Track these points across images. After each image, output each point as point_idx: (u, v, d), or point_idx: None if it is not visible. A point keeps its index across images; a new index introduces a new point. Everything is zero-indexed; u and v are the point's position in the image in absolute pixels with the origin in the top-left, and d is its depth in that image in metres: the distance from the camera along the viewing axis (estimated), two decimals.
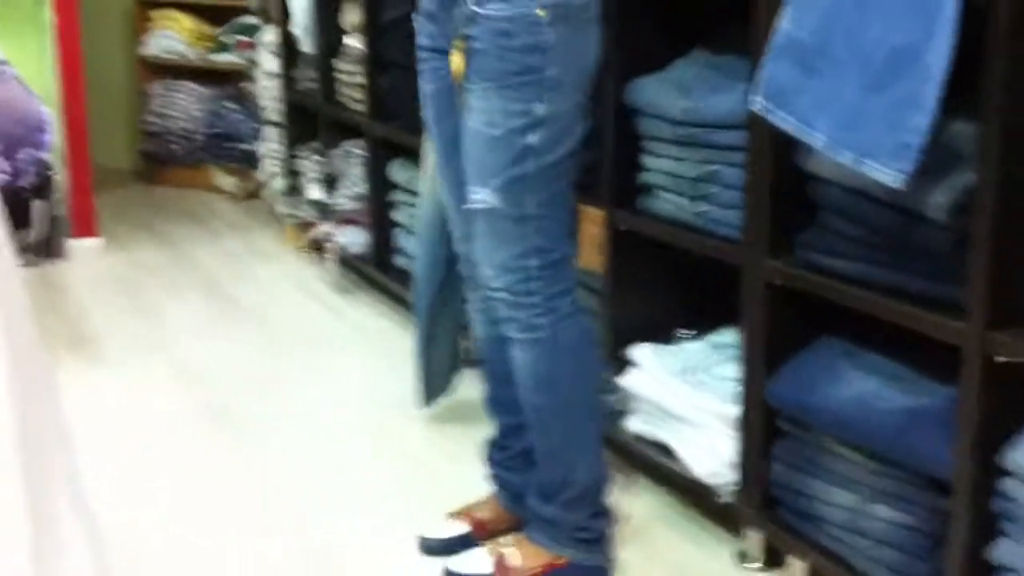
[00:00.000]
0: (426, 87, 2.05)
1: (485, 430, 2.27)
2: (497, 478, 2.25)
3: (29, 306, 1.22)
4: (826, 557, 1.92)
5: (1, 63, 3.87)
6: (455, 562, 2.12)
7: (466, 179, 1.95)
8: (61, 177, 4.32)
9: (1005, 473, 1.60)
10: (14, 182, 3.95)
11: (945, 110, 1.55)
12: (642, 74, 2.30)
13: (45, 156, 4.05)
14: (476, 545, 2.18)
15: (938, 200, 1.66)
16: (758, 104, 1.76)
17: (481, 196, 1.92)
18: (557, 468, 2.04)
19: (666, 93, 2.22)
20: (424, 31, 2.01)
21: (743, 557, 2.17)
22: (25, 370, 1.18)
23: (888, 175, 1.58)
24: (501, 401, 2.18)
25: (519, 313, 1.95)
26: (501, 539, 2.15)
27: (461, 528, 2.21)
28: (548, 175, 1.90)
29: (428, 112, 2.07)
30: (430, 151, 2.09)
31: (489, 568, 2.07)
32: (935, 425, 1.72)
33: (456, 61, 1.89)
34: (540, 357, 1.97)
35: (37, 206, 4.20)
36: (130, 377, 3.19)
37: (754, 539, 2.14)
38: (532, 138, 1.87)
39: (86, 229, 4.48)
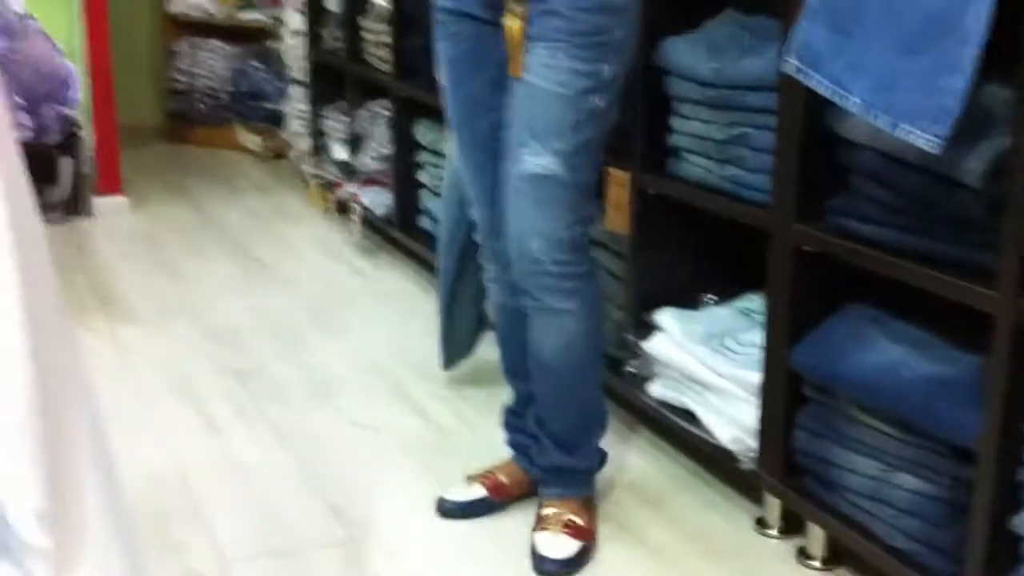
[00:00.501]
0: (445, 51, 2.01)
1: (506, 393, 2.27)
2: (515, 442, 2.25)
3: (51, 263, 1.21)
4: (847, 525, 1.91)
5: (25, 17, 3.87)
6: (544, 547, 2.05)
7: (513, 144, 1.91)
8: (87, 134, 4.33)
9: None
10: (38, 137, 3.96)
11: (981, 74, 1.52)
12: (672, 35, 2.27)
13: (70, 112, 4.06)
14: (495, 507, 2.19)
15: (972, 165, 1.63)
16: (792, 66, 1.73)
17: (542, 161, 1.88)
18: (582, 419, 2.12)
19: (696, 54, 2.19)
20: None
21: (762, 524, 2.16)
22: (46, 326, 1.17)
23: (924, 139, 1.55)
24: (518, 369, 2.17)
25: (563, 283, 1.95)
26: (545, 512, 2.10)
27: (479, 491, 2.21)
28: (603, 141, 1.93)
29: (446, 76, 2.03)
30: (451, 114, 2.05)
31: (573, 544, 2.05)
32: (961, 394, 1.70)
33: (513, 23, 1.86)
34: (579, 321, 1.98)
35: (63, 163, 4.21)
36: (154, 336, 3.19)
37: (774, 506, 2.13)
38: (599, 101, 1.87)
39: (112, 187, 4.48)
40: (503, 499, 2.21)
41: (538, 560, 2.03)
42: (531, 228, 1.91)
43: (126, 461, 2.32)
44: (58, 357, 1.21)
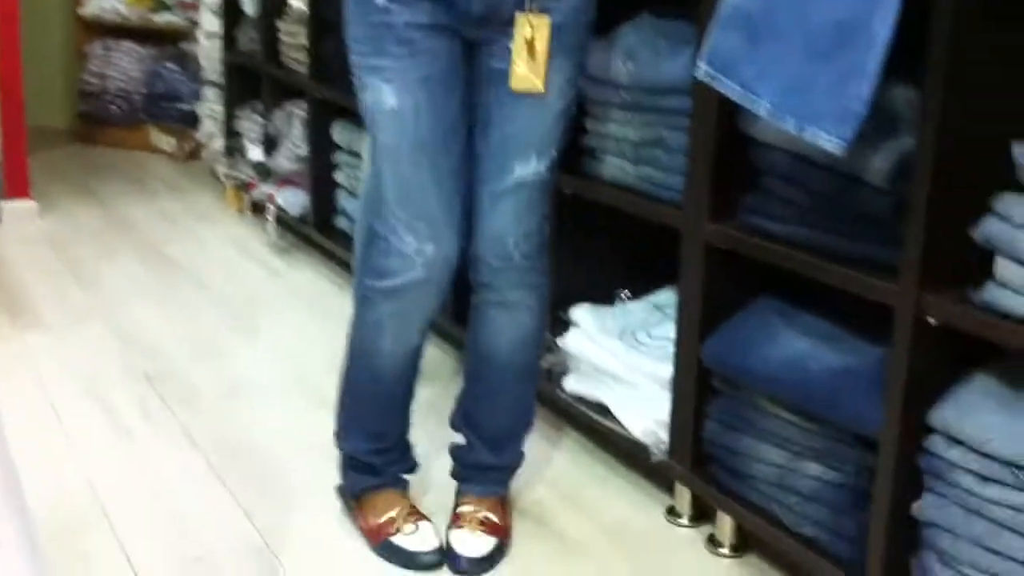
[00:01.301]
0: (414, 70, 1.84)
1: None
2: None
3: None
4: (754, 513, 1.97)
5: None
6: (459, 545, 2.06)
7: (503, 158, 1.91)
8: None
9: (931, 431, 1.64)
10: None
11: (886, 75, 1.58)
12: None
13: None
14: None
15: (878, 165, 1.70)
16: (703, 72, 1.78)
17: (537, 169, 1.92)
18: (520, 415, 2.15)
19: (612, 58, 2.24)
20: (420, 9, 1.81)
21: (673, 513, 2.21)
22: None
23: (829, 141, 1.60)
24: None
25: (527, 277, 2.01)
26: (462, 510, 2.11)
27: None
28: None
29: (415, 98, 1.85)
30: (404, 134, 1.87)
31: (489, 541, 2.07)
32: (865, 384, 1.76)
33: (539, 35, 1.83)
34: (533, 316, 2.05)
35: None
36: (63, 341, 3.14)
37: (684, 495, 2.19)
38: (573, 106, 1.96)
39: (19, 190, 4.39)
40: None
41: (453, 559, 2.05)
42: (514, 228, 1.95)
43: (33, 468, 2.34)
44: None
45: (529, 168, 1.92)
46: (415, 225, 1.90)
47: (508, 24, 1.84)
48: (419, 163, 1.88)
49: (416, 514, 2.11)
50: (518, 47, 1.84)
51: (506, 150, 1.91)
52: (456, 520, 2.11)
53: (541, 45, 1.84)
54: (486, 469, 2.16)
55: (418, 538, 2.07)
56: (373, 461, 2.12)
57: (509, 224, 1.95)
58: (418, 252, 1.90)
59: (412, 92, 1.85)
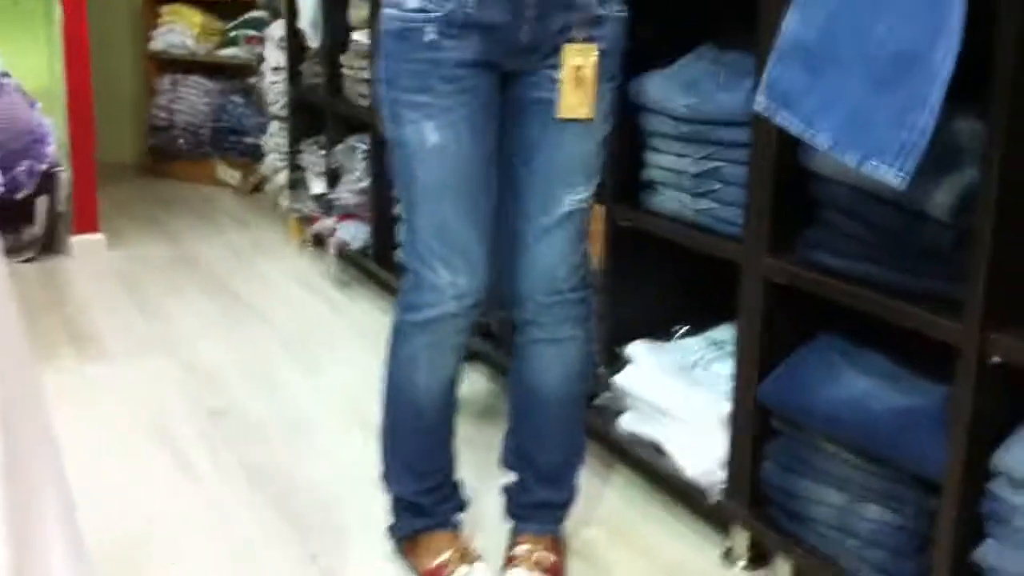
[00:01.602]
0: (459, 107, 1.83)
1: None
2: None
3: (15, 309, 1.21)
4: (812, 556, 1.92)
5: (2, 75, 3.89)
6: None
7: (550, 190, 1.92)
8: (65, 173, 4.33)
9: (994, 474, 1.59)
10: (10, 193, 3.97)
11: (949, 108, 1.55)
12: (648, 70, 2.30)
13: (45, 167, 4.06)
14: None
15: (941, 199, 1.66)
16: (762, 105, 1.76)
17: (583, 196, 1.94)
18: (573, 449, 2.14)
19: (671, 89, 2.22)
20: (470, 45, 1.81)
21: (729, 555, 2.17)
22: (10, 377, 1.17)
23: (891, 175, 1.57)
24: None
25: (575, 309, 2.00)
26: (519, 551, 2.09)
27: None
28: None
29: (457, 136, 1.84)
30: (442, 177, 1.86)
31: None
32: (928, 425, 1.71)
33: (586, 62, 1.85)
34: (579, 347, 2.05)
35: (39, 202, 4.22)
36: (127, 374, 3.17)
37: (741, 537, 2.14)
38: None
39: (88, 225, 4.46)
40: None
41: None
42: (564, 261, 1.96)
43: (93, 502, 2.35)
44: (22, 410, 1.21)
45: (577, 197, 1.93)
46: (452, 259, 1.90)
47: (552, 54, 1.85)
48: (459, 199, 1.87)
49: (469, 556, 2.08)
50: (568, 76, 1.85)
51: (554, 180, 1.91)
52: (512, 561, 2.08)
53: (590, 72, 1.85)
54: (541, 507, 2.12)
55: None
56: (422, 501, 2.10)
57: (558, 258, 1.94)
58: (452, 285, 1.90)
59: (456, 128, 1.84)
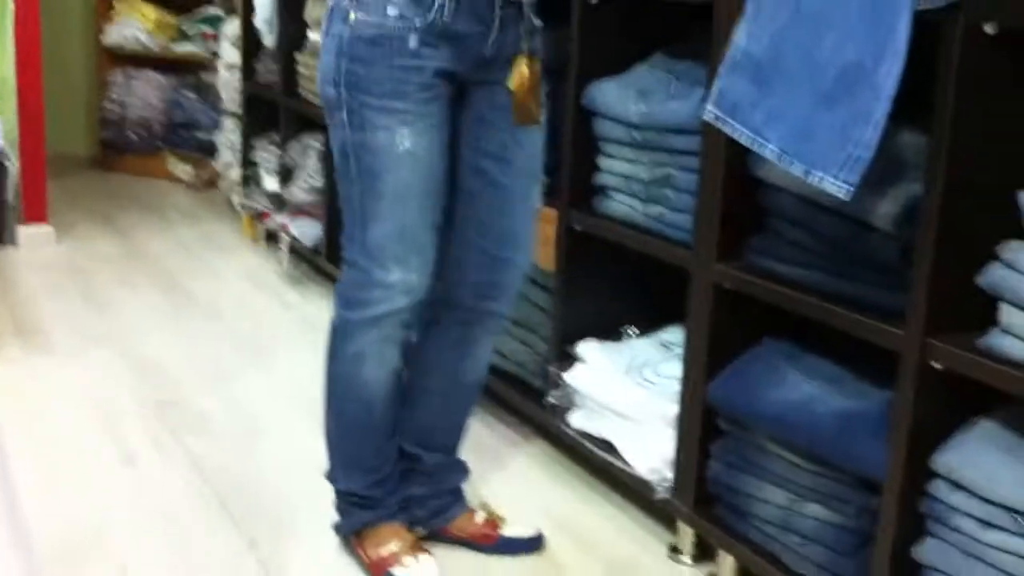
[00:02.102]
0: (430, 116, 1.90)
1: None
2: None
3: None
4: (756, 553, 1.97)
5: None
6: (522, 530, 2.24)
7: (524, 187, 2.04)
8: (13, 164, 4.29)
9: (934, 475, 1.65)
10: None
11: (895, 121, 1.60)
12: (601, 77, 2.34)
13: None
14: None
15: (885, 210, 1.71)
16: (711, 114, 1.80)
17: (536, 198, 2.09)
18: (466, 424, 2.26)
19: (624, 96, 2.26)
20: (443, 55, 1.88)
21: (676, 551, 2.21)
22: None
23: (835, 186, 1.62)
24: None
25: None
26: (483, 516, 2.24)
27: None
28: None
29: (426, 144, 1.91)
30: (411, 180, 1.92)
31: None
32: (870, 428, 1.77)
33: (533, 67, 1.95)
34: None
35: None
36: (74, 367, 3.16)
37: (687, 534, 2.18)
38: None
39: (37, 216, 4.43)
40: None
41: (534, 540, 2.23)
42: (529, 253, 2.10)
43: (38, 493, 2.35)
44: None
45: (537, 192, 2.09)
46: (408, 258, 1.95)
47: (506, 65, 1.94)
48: (423, 202, 1.94)
49: (417, 547, 2.12)
50: (518, 84, 1.94)
51: (527, 178, 2.04)
52: (491, 525, 2.22)
53: (535, 81, 1.96)
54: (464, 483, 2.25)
55: (419, 570, 2.07)
56: (373, 494, 2.13)
57: (528, 249, 2.07)
58: (402, 281, 1.96)
59: (428, 135, 1.91)
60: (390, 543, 2.10)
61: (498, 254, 2.05)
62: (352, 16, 1.86)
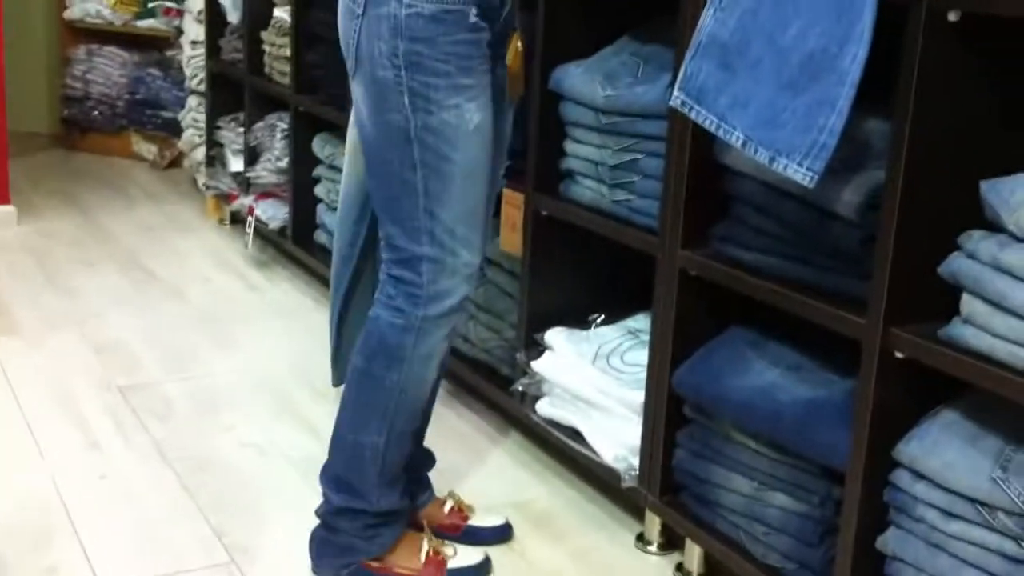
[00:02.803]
0: (488, 88, 1.87)
1: None
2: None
3: None
4: (722, 542, 1.97)
5: None
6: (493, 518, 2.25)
7: (499, 162, 2.03)
8: None
9: (897, 465, 1.65)
10: None
11: (861, 110, 1.59)
12: (568, 60, 2.32)
13: None
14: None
15: (849, 198, 1.71)
16: (677, 100, 1.78)
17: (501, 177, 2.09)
18: None
19: (591, 80, 2.25)
20: (487, 28, 1.84)
21: (643, 540, 2.21)
22: None
23: (800, 173, 1.61)
24: None
25: None
26: (454, 503, 2.24)
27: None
28: None
29: (491, 113, 1.88)
30: (480, 157, 1.88)
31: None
32: (833, 416, 1.77)
33: (519, 47, 1.92)
34: None
35: None
36: (36, 349, 3.13)
37: (654, 523, 2.18)
38: None
39: None
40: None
41: (502, 528, 2.23)
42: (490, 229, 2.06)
43: (2, 478, 2.31)
44: None
45: (502, 169, 2.07)
46: (473, 239, 1.90)
47: (502, 40, 1.90)
48: (487, 179, 1.91)
49: (436, 540, 2.10)
50: (513, 59, 1.92)
51: (502, 155, 2.03)
52: (462, 513, 2.21)
53: (521, 50, 1.94)
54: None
55: (467, 555, 2.09)
56: (405, 506, 2.07)
57: (490, 225, 2.01)
58: (468, 265, 1.91)
59: (488, 109, 1.87)
60: (422, 545, 2.06)
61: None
62: None
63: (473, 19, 1.80)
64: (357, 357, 1.97)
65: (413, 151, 1.83)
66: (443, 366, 2.04)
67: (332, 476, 2.02)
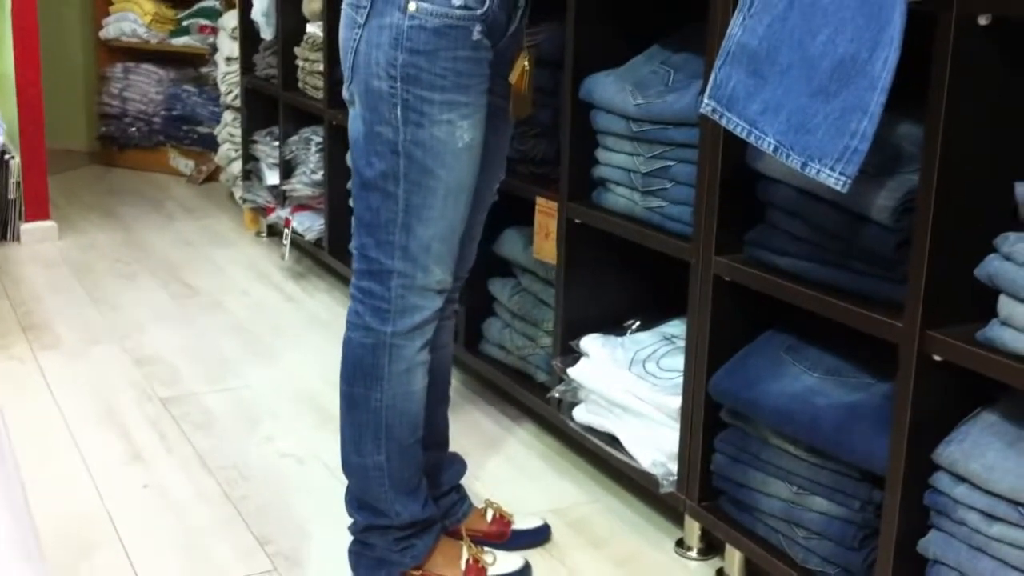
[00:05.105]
0: (484, 107, 1.87)
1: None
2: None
3: None
4: (762, 546, 1.97)
5: None
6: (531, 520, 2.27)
7: (495, 179, 2.06)
8: (15, 160, 4.30)
9: (937, 468, 1.65)
10: None
11: (892, 113, 1.59)
12: (599, 70, 2.33)
13: None
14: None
15: (883, 202, 1.71)
16: (708, 107, 1.79)
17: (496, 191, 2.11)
18: None
19: (622, 89, 2.26)
20: (488, 46, 1.84)
21: (682, 546, 2.22)
22: None
23: (832, 178, 1.61)
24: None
25: None
26: (493, 511, 2.26)
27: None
28: None
29: (483, 133, 1.88)
30: (466, 176, 1.88)
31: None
32: (872, 420, 1.77)
33: (526, 66, 1.92)
34: None
35: None
36: (79, 363, 3.17)
37: (693, 528, 2.19)
38: None
39: (39, 212, 4.43)
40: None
41: (542, 530, 2.25)
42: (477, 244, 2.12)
43: (46, 488, 2.36)
44: None
45: (496, 187, 2.10)
46: (446, 258, 1.90)
47: (505, 58, 1.91)
48: (469, 198, 1.90)
49: (481, 546, 2.12)
50: (518, 78, 1.91)
51: (495, 175, 2.05)
52: (501, 521, 2.23)
53: (531, 75, 1.94)
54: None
55: (508, 561, 2.10)
56: (430, 514, 2.06)
57: (477, 243, 2.08)
58: (440, 282, 1.91)
59: (481, 127, 1.87)
60: (461, 552, 2.07)
61: (469, 246, 2.04)
62: (412, 5, 1.76)
63: (477, 36, 1.79)
64: (340, 381, 1.98)
65: (399, 163, 1.82)
66: (446, 369, 2.09)
67: (352, 497, 2.04)
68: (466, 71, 1.80)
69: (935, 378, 1.64)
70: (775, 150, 1.69)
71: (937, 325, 1.62)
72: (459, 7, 1.77)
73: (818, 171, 1.62)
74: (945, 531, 1.64)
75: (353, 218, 1.94)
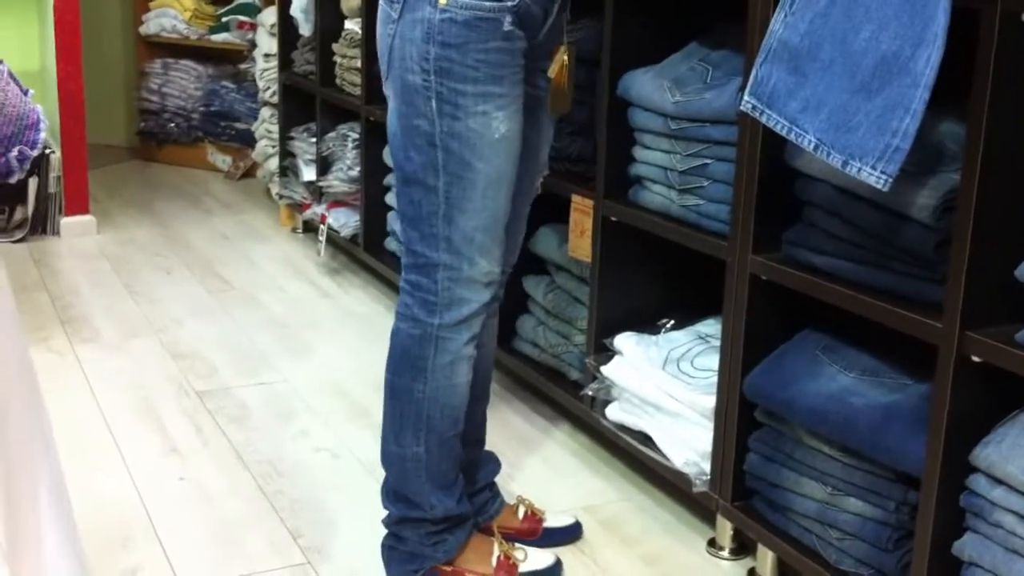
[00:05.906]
0: (520, 98, 1.87)
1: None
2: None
3: (9, 290, 1.24)
4: (795, 547, 1.96)
5: None
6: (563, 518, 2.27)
7: (536, 174, 2.07)
8: (55, 155, 4.34)
9: (974, 470, 1.63)
10: (2, 179, 3.97)
11: (934, 111, 1.58)
12: (636, 67, 2.32)
13: (36, 153, 4.06)
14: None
15: (924, 201, 1.69)
16: (748, 105, 1.78)
17: (539, 186, 2.12)
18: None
19: (659, 87, 2.25)
20: (522, 37, 1.84)
21: (714, 545, 2.21)
22: (6, 364, 1.19)
23: (873, 177, 1.60)
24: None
25: None
26: (525, 508, 2.26)
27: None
28: None
29: (519, 123, 1.88)
30: (505, 166, 1.88)
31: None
32: (908, 421, 1.75)
33: (565, 61, 1.93)
34: None
35: (30, 183, 4.23)
36: (116, 356, 3.20)
37: (726, 528, 2.18)
38: None
39: (79, 206, 4.48)
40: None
41: (573, 527, 2.25)
42: (521, 240, 2.13)
43: (84, 482, 2.39)
44: (13, 388, 1.23)
45: (539, 182, 2.11)
46: (492, 249, 1.90)
47: (547, 55, 1.92)
48: (511, 189, 1.90)
49: (514, 543, 2.12)
50: (558, 73, 1.92)
51: (537, 169, 2.06)
52: (533, 517, 2.23)
53: (571, 70, 1.95)
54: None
55: (538, 557, 2.10)
56: (464, 510, 2.06)
57: (522, 237, 2.09)
58: (487, 274, 1.91)
59: (517, 118, 1.87)
60: (492, 548, 2.08)
61: (512, 239, 2.03)
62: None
63: (508, 27, 1.80)
64: (386, 370, 1.99)
65: (437, 156, 1.83)
66: (487, 367, 2.08)
67: (388, 489, 2.04)
68: (498, 62, 1.81)
69: (973, 379, 1.63)
70: (815, 148, 1.68)
71: (976, 326, 1.61)
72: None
73: (859, 169, 1.61)
74: (981, 533, 1.63)
75: (398, 214, 1.96)
